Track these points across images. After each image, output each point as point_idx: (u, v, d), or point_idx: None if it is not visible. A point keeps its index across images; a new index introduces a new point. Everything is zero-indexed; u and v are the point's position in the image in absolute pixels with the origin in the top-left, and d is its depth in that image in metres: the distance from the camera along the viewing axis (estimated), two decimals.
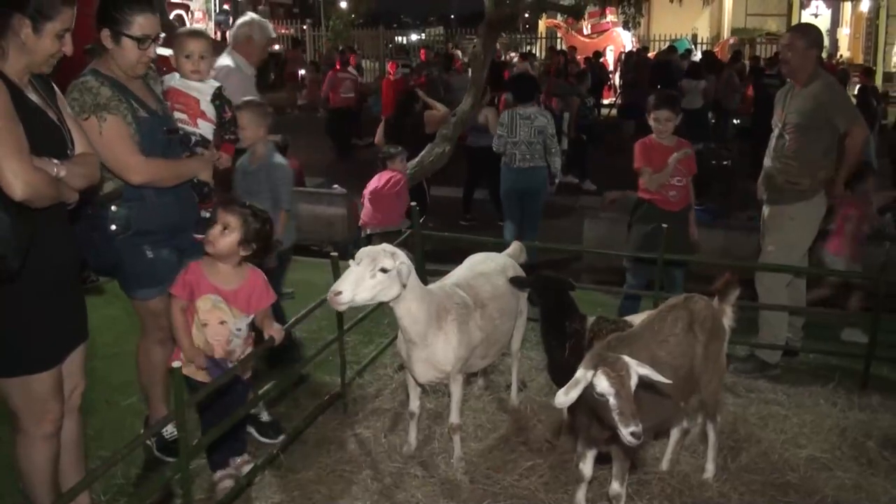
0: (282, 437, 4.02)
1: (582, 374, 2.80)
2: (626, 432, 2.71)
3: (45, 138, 2.80)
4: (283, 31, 32.49)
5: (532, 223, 7.68)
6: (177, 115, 3.76)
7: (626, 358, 2.83)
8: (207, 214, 3.65)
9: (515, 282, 4.14)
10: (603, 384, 2.75)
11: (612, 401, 2.74)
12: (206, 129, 3.84)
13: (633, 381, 2.77)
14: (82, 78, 3.34)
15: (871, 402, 4.60)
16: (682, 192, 5.34)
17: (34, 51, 2.76)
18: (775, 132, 5.09)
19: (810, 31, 5.10)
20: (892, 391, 4.80)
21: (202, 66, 3.84)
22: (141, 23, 3.34)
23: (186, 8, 23.78)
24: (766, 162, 5.13)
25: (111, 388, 4.58)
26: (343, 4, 35.18)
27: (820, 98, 4.83)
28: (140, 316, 3.72)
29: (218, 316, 3.36)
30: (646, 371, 2.82)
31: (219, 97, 3.88)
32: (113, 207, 3.42)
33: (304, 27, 32.74)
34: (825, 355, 5.28)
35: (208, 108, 3.84)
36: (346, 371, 4.48)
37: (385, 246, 3.45)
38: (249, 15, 5.53)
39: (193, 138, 3.78)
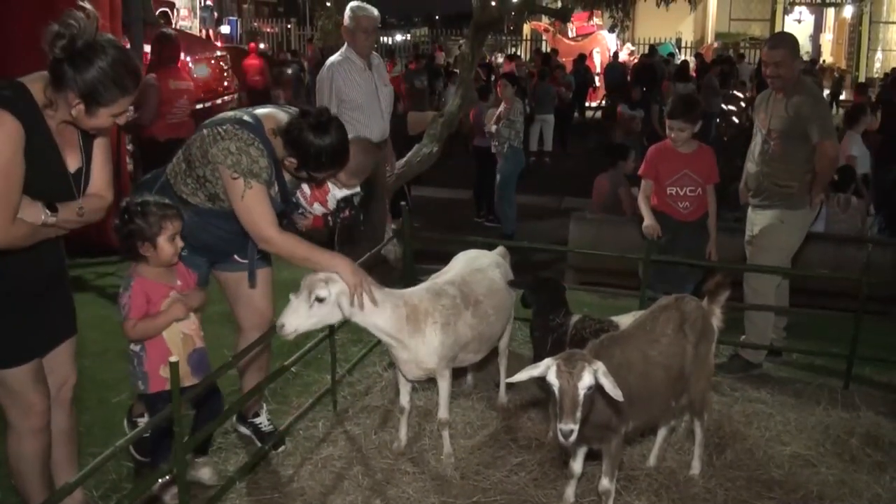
0: (283, 448, 4.04)
1: (546, 362, 2.92)
2: (557, 426, 2.83)
3: (49, 187, 2.78)
4: (267, 29, 32.50)
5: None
6: (304, 185, 3.80)
7: (597, 364, 2.90)
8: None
9: (513, 283, 4.24)
10: (551, 375, 2.87)
11: (556, 393, 2.86)
12: (317, 210, 3.90)
13: (584, 383, 2.84)
14: (248, 134, 3.34)
15: (853, 400, 4.68)
16: (695, 203, 5.18)
17: (82, 124, 2.74)
18: (758, 137, 5.14)
19: (793, 42, 5.11)
20: (873, 390, 4.89)
21: (351, 185, 3.88)
22: (331, 173, 3.52)
23: (172, 5, 23.67)
24: (750, 167, 5.18)
25: (101, 386, 4.58)
26: (328, 4, 35.13)
27: (800, 109, 4.87)
28: None
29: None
30: (606, 382, 2.87)
31: (348, 201, 3.92)
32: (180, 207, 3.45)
33: (289, 26, 32.71)
34: (808, 355, 5.35)
35: (332, 202, 3.89)
36: (336, 368, 4.51)
37: (322, 274, 3.46)
38: (351, 3, 5.78)
39: (300, 209, 3.85)
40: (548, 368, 2.88)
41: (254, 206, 3.35)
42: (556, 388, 2.85)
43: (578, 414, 2.81)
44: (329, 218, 3.94)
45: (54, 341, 3.09)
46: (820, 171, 4.94)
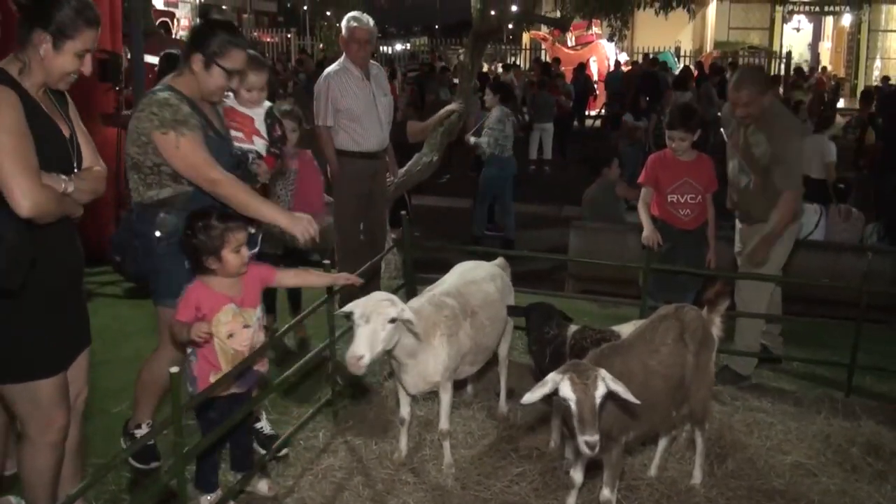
0: (285, 450, 4.04)
1: (552, 378, 2.91)
2: (581, 440, 2.82)
3: (55, 153, 2.83)
4: (267, 39, 32.61)
5: (509, 203, 9.78)
6: (233, 133, 3.86)
7: (602, 371, 2.90)
8: (253, 230, 3.70)
9: (511, 310, 4.24)
10: (566, 389, 2.85)
11: (572, 407, 2.84)
12: (260, 145, 3.96)
13: (599, 393, 2.84)
14: (161, 94, 3.40)
15: (854, 409, 4.67)
16: (696, 210, 5.19)
17: (52, 67, 2.79)
18: (735, 162, 5.06)
19: (757, 77, 4.95)
20: (874, 399, 4.90)
21: (259, 98, 4.01)
22: (236, 58, 3.48)
23: (172, 15, 23.84)
24: (732, 192, 5.15)
25: (102, 395, 4.56)
26: (329, 14, 35.26)
27: (770, 146, 4.77)
28: (161, 326, 3.69)
29: (241, 322, 3.35)
30: (618, 388, 2.88)
31: (270, 115, 4.04)
32: (161, 214, 3.45)
33: (289, 35, 32.81)
34: (809, 364, 5.35)
35: (261, 125, 3.99)
36: (336, 378, 4.50)
37: (382, 296, 3.46)
38: (348, 13, 5.90)
39: (251, 155, 3.89)
40: (558, 384, 2.86)
41: (190, 152, 3.35)
42: (572, 402, 2.83)
43: (597, 423, 2.81)
44: (272, 150, 4.02)
45: (76, 351, 3.10)
46: (779, 219, 4.78)
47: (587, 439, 2.78)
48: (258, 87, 3.99)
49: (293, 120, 5.05)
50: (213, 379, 3.32)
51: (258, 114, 4.00)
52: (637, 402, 2.92)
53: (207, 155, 3.39)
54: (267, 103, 4.09)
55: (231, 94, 4.04)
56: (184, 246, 3.32)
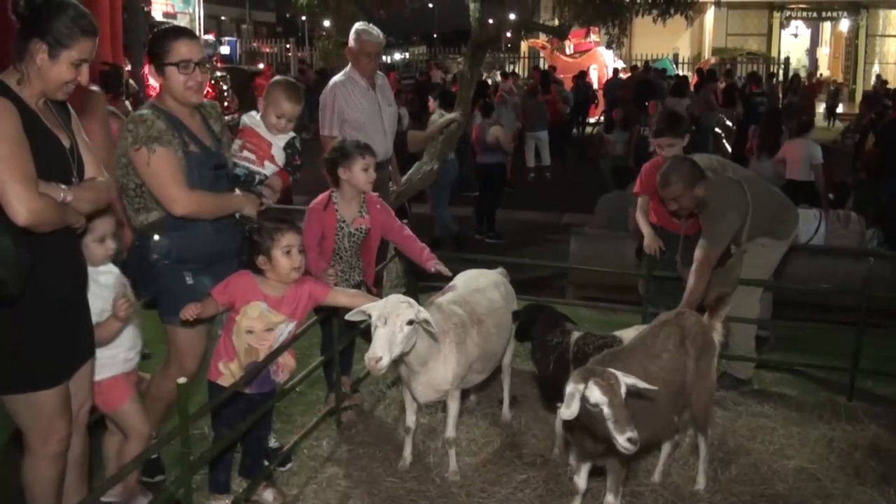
0: (290, 465, 4.05)
1: (574, 388, 2.90)
2: (622, 439, 2.81)
3: (54, 163, 2.84)
4: (266, 49, 32.75)
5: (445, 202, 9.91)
6: (245, 153, 3.87)
7: (612, 370, 2.93)
8: None
9: (516, 315, 4.25)
10: (595, 394, 2.85)
11: (605, 410, 2.84)
12: (270, 170, 3.95)
13: (623, 390, 2.87)
14: (140, 111, 3.44)
15: (856, 413, 4.68)
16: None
17: (48, 76, 2.80)
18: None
19: (683, 170, 4.51)
20: (876, 403, 4.90)
21: (286, 127, 3.99)
22: (179, 49, 3.43)
23: None
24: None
25: None
26: (327, 24, 35.39)
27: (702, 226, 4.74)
28: (169, 343, 3.70)
29: (265, 323, 3.38)
30: (632, 381, 2.92)
31: (290, 146, 4.01)
32: (155, 237, 3.46)
33: (288, 45, 32.94)
34: (810, 369, 5.36)
35: (279, 153, 3.96)
36: (340, 387, 4.51)
37: (399, 298, 3.47)
38: (357, 25, 5.83)
39: (258, 177, 3.89)
40: (583, 391, 2.87)
41: (160, 169, 3.34)
42: (605, 405, 2.83)
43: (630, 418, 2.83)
44: (287, 169, 4.01)
45: (79, 362, 3.10)
46: (693, 287, 4.49)
47: (629, 436, 2.78)
48: (288, 116, 3.96)
49: (370, 156, 4.33)
50: (221, 368, 3.40)
51: (279, 140, 3.96)
52: (654, 388, 2.95)
53: (177, 173, 3.38)
54: (291, 133, 4.05)
55: (255, 114, 4.04)
56: (241, 248, 3.42)
